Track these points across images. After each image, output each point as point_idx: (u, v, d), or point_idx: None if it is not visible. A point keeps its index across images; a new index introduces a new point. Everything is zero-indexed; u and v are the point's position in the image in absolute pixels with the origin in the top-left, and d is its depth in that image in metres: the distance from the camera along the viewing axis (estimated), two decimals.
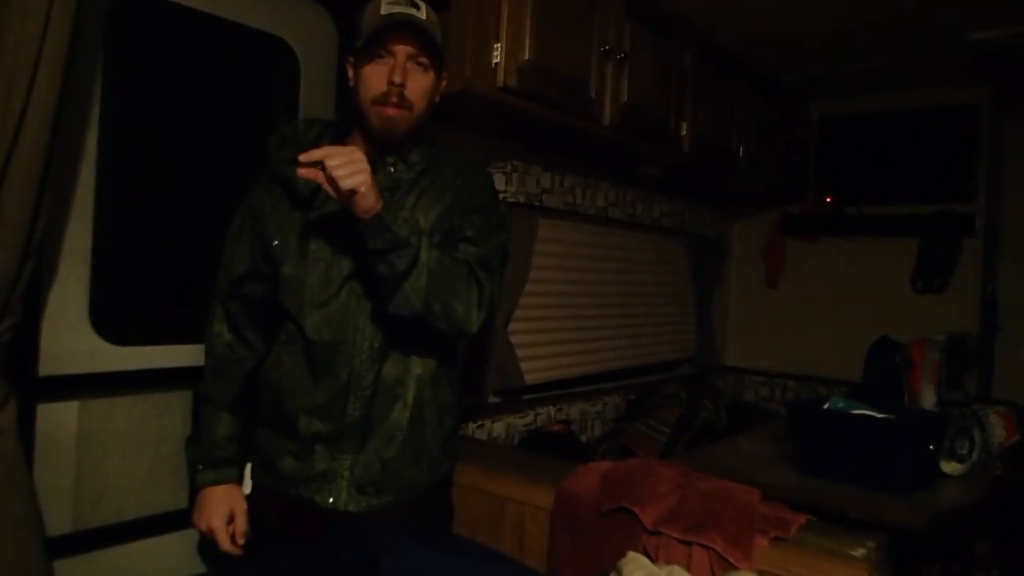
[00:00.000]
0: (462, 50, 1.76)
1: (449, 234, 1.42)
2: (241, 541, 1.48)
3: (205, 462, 1.48)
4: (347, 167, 1.16)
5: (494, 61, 1.82)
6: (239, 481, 1.52)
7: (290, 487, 1.43)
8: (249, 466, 1.53)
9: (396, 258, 1.24)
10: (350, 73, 1.41)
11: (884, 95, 3.35)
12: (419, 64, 1.35)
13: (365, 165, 1.19)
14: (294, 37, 1.82)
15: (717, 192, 3.47)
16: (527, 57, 1.88)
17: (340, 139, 1.44)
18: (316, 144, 1.41)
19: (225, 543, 1.46)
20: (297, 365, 1.42)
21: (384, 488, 1.42)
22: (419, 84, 1.36)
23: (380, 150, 1.42)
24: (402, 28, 1.31)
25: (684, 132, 2.59)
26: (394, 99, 1.33)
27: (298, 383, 1.42)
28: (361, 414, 1.40)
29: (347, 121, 1.46)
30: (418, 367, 1.44)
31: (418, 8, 1.34)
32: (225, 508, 1.47)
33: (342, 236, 1.38)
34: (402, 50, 1.33)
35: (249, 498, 1.53)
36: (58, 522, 1.44)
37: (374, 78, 1.34)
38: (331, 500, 1.40)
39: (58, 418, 1.45)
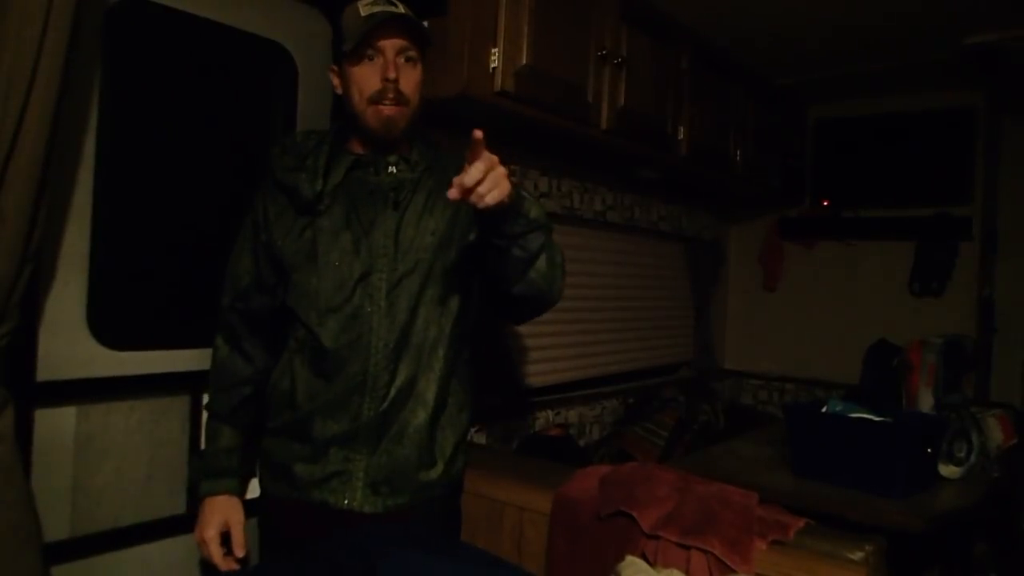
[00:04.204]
0: (460, 54, 1.77)
1: (467, 231, 1.44)
2: (240, 554, 1.47)
3: (205, 473, 1.49)
4: (487, 183, 1.13)
5: (492, 65, 1.82)
6: (239, 493, 1.52)
7: (304, 492, 1.42)
8: (256, 477, 1.54)
9: (531, 240, 1.27)
10: (335, 82, 1.43)
11: (880, 98, 3.36)
12: (408, 58, 1.37)
13: (506, 180, 1.16)
14: (292, 42, 1.82)
15: (714, 196, 3.48)
16: (524, 61, 1.88)
17: (339, 146, 1.45)
18: (317, 151, 1.42)
19: (216, 555, 1.46)
20: (311, 370, 1.42)
21: (400, 488, 1.42)
22: (411, 78, 1.38)
23: (380, 150, 1.43)
24: (389, 25, 1.33)
25: (681, 136, 2.60)
26: (391, 95, 1.35)
27: (312, 387, 1.42)
28: (376, 414, 1.39)
29: (345, 128, 1.47)
30: (433, 367, 1.44)
31: (395, 5, 1.36)
32: (220, 518, 1.47)
33: (350, 239, 1.40)
34: (391, 46, 1.35)
35: (260, 509, 1.53)
36: (56, 527, 1.44)
37: (367, 78, 1.36)
38: (346, 501, 1.40)
39: (56, 423, 1.45)
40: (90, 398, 1.50)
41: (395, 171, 1.44)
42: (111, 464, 1.54)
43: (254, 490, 1.59)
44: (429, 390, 1.44)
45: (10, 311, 1.22)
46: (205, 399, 1.55)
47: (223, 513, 1.48)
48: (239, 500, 1.52)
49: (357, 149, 1.45)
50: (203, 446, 1.52)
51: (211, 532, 1.46)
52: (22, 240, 1.21)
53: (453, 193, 1.12)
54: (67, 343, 1.46)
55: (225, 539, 1.49)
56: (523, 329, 2.55)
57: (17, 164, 1.18)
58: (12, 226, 1.19)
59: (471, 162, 1.12)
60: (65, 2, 1.19)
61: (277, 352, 1.51)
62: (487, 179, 1.12)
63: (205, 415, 1.55)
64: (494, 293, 1.42)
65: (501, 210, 1.18)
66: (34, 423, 1.40)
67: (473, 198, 1.13)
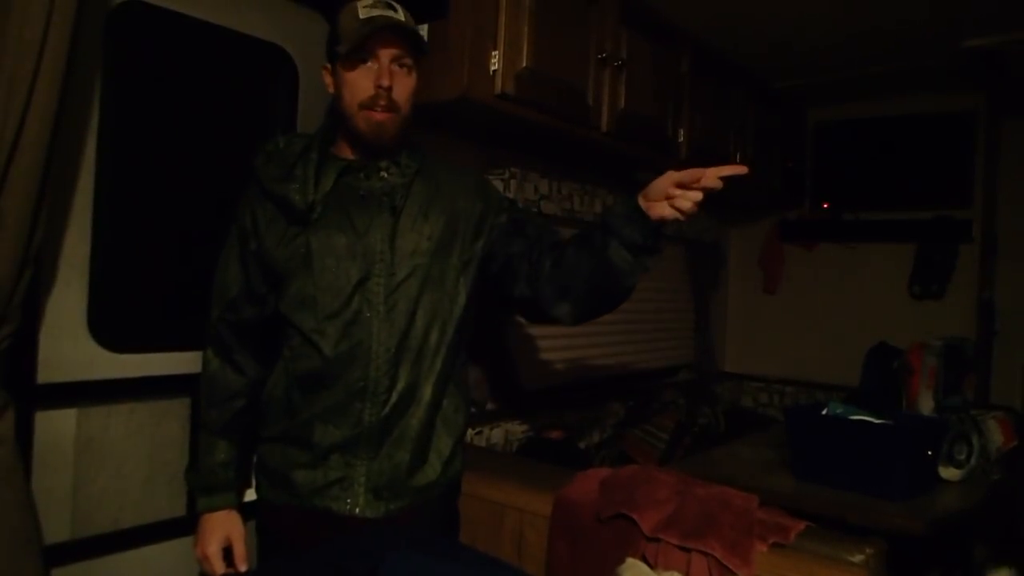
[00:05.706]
0: (460, 57, 1.77)
1: (469, 239, 1.47)
2: (242, 568, 1.47)
3: (202, 488, 1.49)
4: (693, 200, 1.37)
5: (492, 68, 1.82)
6: (238, 506, 1.51)
7: (304, 499, 1.41)
8: (252, 486, 1.54)
9: (648, 260, 1.44)
10: (328, 80, 1.42)
11: (880, 101, 3.37)
12: (403, 66, 1.36)
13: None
14: (292, 45, 1.82)
15: (714, 198, 3.46)
16: (525, 64, 1.88)
17: (326, 151, 1.44)
18: (304, 157, 1.41)
19: (219, 571, 1.46)
20: (308, 377, 1.41)
21: (400, 492, 1.41)
22: (404, 86, 1.37)
23: (370, 155, 1.42)
24: (387, 32, 1.32)
25: (681, 138, 2.60)
26: (383, 102, 1.34)
27: (312, 394, 1.41)
28: (378, 419, 1.39)
29: (332, 129, 1.46)
30: (433, 370, 1.44)
31: (395, 10, 1.36)
32: (221, 534, 1.47)
33: (344, 243, 1.39)
34: (386, 53, 1.34)
35: (258, 513, 1.52)
36: (56, 530, 1.44)
37: (360, 83, 1.35)
38: (348, 507, 1.39)
39: (56, 426, 1.45)
40: (90, 400, 1.50)
41: (386, 176, 1.43)
42: (111, 466, 1.55)
43: (249, 493, 1.59)
44: (429, 394, 1.43)
45: (11, 313, 1.22)
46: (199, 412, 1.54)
47: (224, 529, 1.48)
48: (238, 513, 1.51)
49: (346, 153, 1.44)
50: (199, 459, 1.51)
51: (213, 548, 1.46)
52: (23, 242, 1.21)
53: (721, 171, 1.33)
54: (68, 345, 1.46)
55: (226, 552, 1.49)
56: (524, 332, 2.55)
57: (18, 166, 1.18)
58: (13, 228, 1.19)
59: (715, 175, 1.36)
60: (66, 4, 1.19)
61: (268, 361, 1.49)
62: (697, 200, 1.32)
63: (198, 426, 1.54)
64: (585, 297, 1.49)
65: (665, 221, 1.37)
66: (34, 425, 1.40)
67: (679, 195, 1.37)
